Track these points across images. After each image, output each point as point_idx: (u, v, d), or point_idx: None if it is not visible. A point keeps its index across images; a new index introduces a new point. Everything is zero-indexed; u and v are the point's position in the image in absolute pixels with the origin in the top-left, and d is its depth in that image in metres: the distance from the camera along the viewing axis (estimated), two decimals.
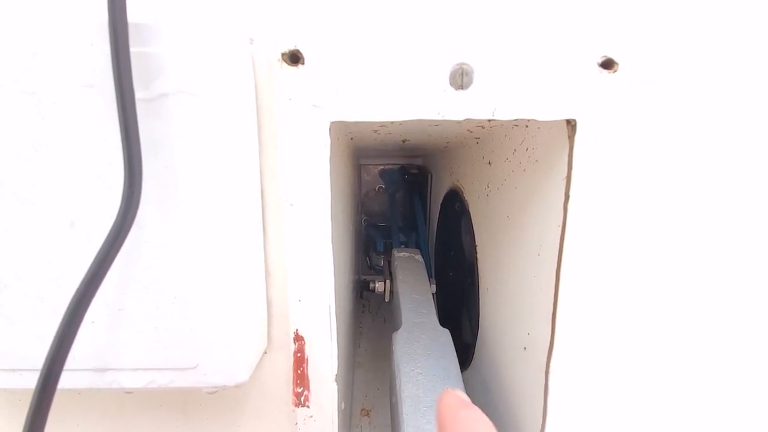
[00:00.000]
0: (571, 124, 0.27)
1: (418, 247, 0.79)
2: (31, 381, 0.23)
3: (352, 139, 0.49)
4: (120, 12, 0.19)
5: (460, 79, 0.25)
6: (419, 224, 0.83)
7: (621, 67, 0.26)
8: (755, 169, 0.28)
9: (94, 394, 0.29)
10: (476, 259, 0.52)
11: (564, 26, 0.25)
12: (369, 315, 0.85)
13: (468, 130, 0.42)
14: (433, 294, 0.56)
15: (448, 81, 0.26)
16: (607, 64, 0.26)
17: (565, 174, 0.28)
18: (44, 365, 0.19)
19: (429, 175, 0.85)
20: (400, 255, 0.61)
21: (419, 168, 0.93)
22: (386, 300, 0.61)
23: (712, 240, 0.29)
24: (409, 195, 0.92)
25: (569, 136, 0.27)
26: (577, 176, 0.27)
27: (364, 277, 0.69)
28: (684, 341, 0.30)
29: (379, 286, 0.61)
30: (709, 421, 0.32)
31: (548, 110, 0.26)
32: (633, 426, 0.32)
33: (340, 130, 0.35)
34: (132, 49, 0.20)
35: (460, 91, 0.26)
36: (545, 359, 0.31)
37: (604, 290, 0.29)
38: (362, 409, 0.60)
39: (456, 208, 0.63)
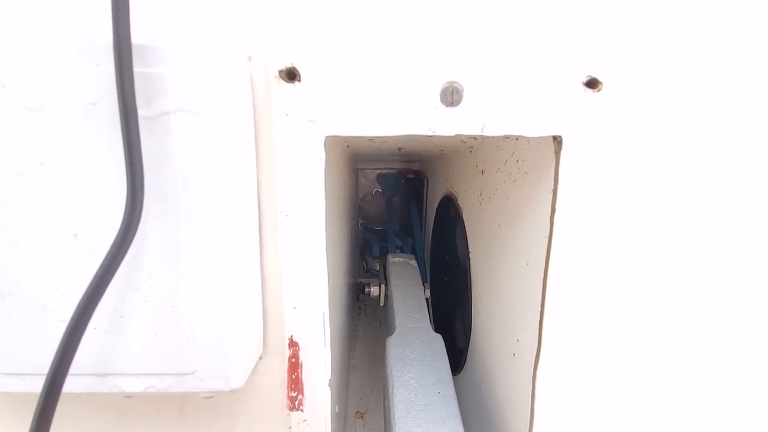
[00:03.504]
0: (557, 140, 0.28)
1: (413, 251, 0.80)
2: (33, 385, 0.24)
3: (348, 146, 0.50)
4: (124, 34, 0.20)
5: (451, 96, 0.26)
6: (415, 229, 0.84)
7: (605, 86, 0.27)
8: (736, 182, 0.29)
9: (95, 398, 0.30)
10: (469, 265, 0.53)
11: (550, 47, 0.26)
12: (365, 318, 0.86)
13: (461, 140, 0.43)
14: (426, 299, 0.56)
15: (439, 98, 0.27)
16: (592, 84, 0.27)
17: (552, 187, 0.29)
18: (50, 370, 0.20)
19: (425, 181, 0.86)
20: (394, 260, 0.62)
21: (416, 173, 0.94)
22: (381, 304, 0.62)
23: (693, 251, 0.30)
24: (406, 199, 0.93)
25: (556, 152, 0.28)
26: (563, 190, 0.28)
27: (360, 280, 0.70)
28: (667, 347, 0.32)
29: (374, 290, 0.62)
30: (692, 425, 0.33)
31: (535, 127, 0.27)
32: (617, 430, 0.33)
33: (336, 140, 0.36)
34: (135, 70, 0.20)
35: (451, 108, 0.27)
36: (532, 365, 0.32)
37: (589, 299, 0.30)
38: (357, 412, 0.60)
39: (450, 214, 0.64)
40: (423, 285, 0.58)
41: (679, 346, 0.32)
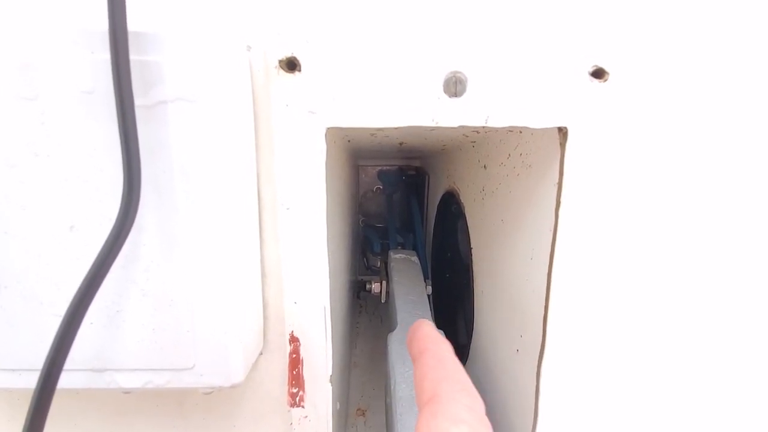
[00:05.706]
0: (562, 132, 0.27)
1: (414, 248, 0.80)
2: (30, 381, 0.24)
3: (349, 141, 0.50)
4: (120, 21, 0.20)
5: (454, 87, 0.26)
6: (416, 225, 0.84)
7: (611, 77, 0.26)
8: (744, 175, 0.29)
9: (92, 394, 0.30)
10: (471, 261, 0.52)
11: (555, 36, 0.26)
12: (366, 315, 0.86)
13: (464, 134, 0.42)
14: (428, 296, 0.56)
15: (442, 89, 0.26)
16: (598, 74, 0.26)
17: (557, 180, 0.28)
18: (44, 365, 0.19)
19: (426, 177, 0.86)
20: (396, 256, 0.62)
21: (417, 169, 0.94)
22: (382, 301, 0.61)
23: (700, 245, 0.29)
24: (407, 196, 0.93)
25: (561, 143, 0.28)
26: (569, 183, 0.28)
27: (361, 277, 0.69)
28: (673, 343, 0.31)
29: (375, 287, 0.61)
30: (699, 423, 0.33)
31: (540, 118, 0.27)
32: (622, 428, 0.32)
33: (337, 134, 0.36)
34: (132, 57, 0.20)
35: (454, 99, 0.26)
36: (536, 362, 0.31)
37: (595, 294, 0.30)
38: (358, 409, 0.60)
39: (452, 210, 0.63)
40: (425, 281, 0.57)
41: (687, 340, 0.31)
